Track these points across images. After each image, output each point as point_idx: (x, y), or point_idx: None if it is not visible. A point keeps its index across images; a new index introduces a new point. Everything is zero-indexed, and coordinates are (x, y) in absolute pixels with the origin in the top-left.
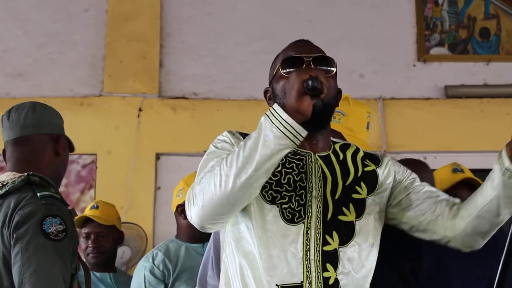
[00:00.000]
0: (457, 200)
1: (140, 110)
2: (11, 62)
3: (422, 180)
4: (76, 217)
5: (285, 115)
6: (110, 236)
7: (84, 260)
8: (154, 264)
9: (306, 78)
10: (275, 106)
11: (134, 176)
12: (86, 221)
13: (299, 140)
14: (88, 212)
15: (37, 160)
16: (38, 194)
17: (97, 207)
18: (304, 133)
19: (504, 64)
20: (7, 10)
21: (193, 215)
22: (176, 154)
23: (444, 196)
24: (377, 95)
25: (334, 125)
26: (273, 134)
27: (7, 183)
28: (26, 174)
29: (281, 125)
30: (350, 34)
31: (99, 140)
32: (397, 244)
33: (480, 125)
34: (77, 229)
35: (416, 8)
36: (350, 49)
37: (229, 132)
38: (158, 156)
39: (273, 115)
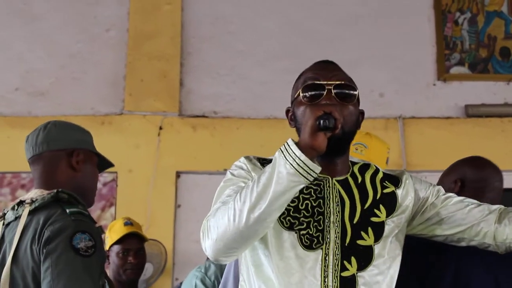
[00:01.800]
0: (494, 207)
1: (160, 128)
2: (33, 82)
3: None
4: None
5: (298, 152)
6: (145, 252)
7: (122, 276)
8: (206, 275)
9: (320, 115)
10: (289, 141)
11: (154, 194)
12: (123, 237)
13: (312, 176)
14: (127, 229)
15: (52, 177)
16: (68, 211)
17: (131, 224)
18: (317, 170)
19: None
20: (30, 31)
21: (207, 248)
22: (196, 172)
23: (475, 203)
24: (397, 114)
25: (356, 155)
26: (287, 170)
27: (36, 200)
28: (55, 191)
29: (295, 162)
30: (371, 53)
31: (120, 158)
32: (424, 257)
33: (500, 144)
34: (116, 245)
35: (436, 28)
36: (371, 69)
37: (246, 158)
38: (178, 174)
39: (287, 151)
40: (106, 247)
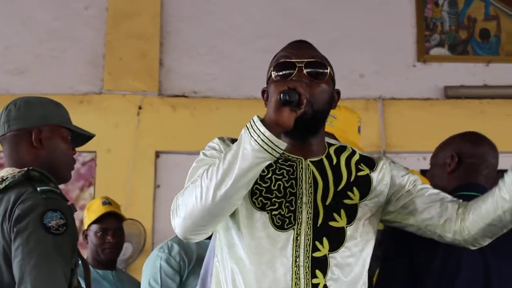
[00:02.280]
0: (461, 202)
1: (140, 108)
2: (12, 59)
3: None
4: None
5: (263, 128)
6: (123, 231)
7: (100, 255)
8: (170, 255)
9: (282, 89)
10: (255, 118)
11: (133, 174)
12: (101, 216)
13: (278, 153)
14: (105, 208)
15: (18, 157)
16: (38, 189)
17: (110, 203)
18: (283, 146)
19: (504, 65)
20: (9, 8)
21: (176, 226)
22: (176, 152)
23: (448, 198)
24: (377, 95)
25: (327, 127)
26: (251, 147)
27: (6, 178)
28: (26, 169)
29: (259, 138)
30: (351, 34)
31: (98, 137)
32: (413, 239)
33: (479, 126)
34: (94, 225)
35: (416, 9)
36: (351, 49)
37: (220, 138)
38: (157, 154)
39: (252, 127)
40: (85, 227)
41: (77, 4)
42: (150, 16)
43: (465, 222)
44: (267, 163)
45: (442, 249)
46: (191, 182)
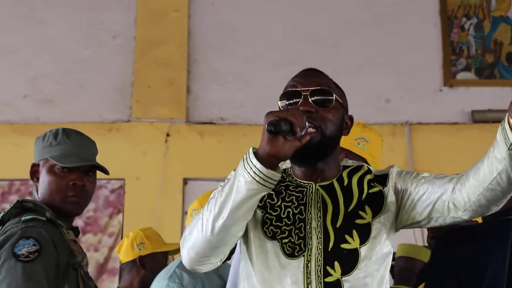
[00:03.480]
0: (455, 176)
1: (167, 135)
2: (41, 88)
3: None
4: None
5: (254, 161)
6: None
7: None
8: (182, 285)
9: (270, 120)
10: (250, 150)
11: (162, 200)
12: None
13: (271, 184)
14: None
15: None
16: (23, 218)
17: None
18: (276, 177)
19: None
20: (37, 37)
21: (183, 257)
22: (203, 179)
23: (440, 176)
24: (403, 120)
25: (358, 150)
26: (244, 179)
27: (3, 210)
28: (17, 201)
29: (251, 171)
30: (376, 59)
31: (127, 165)
32: (462, 258)
33: None
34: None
35: (442, 33)
36: (377, 74)
37: (235, 170)
38: (185, 181)
39: (247, 159)
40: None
41: (105, 33)
42: (177, 44)
43: (464, 190)
44: (262, 194)
45: (491, 269)
46: (196, 215)
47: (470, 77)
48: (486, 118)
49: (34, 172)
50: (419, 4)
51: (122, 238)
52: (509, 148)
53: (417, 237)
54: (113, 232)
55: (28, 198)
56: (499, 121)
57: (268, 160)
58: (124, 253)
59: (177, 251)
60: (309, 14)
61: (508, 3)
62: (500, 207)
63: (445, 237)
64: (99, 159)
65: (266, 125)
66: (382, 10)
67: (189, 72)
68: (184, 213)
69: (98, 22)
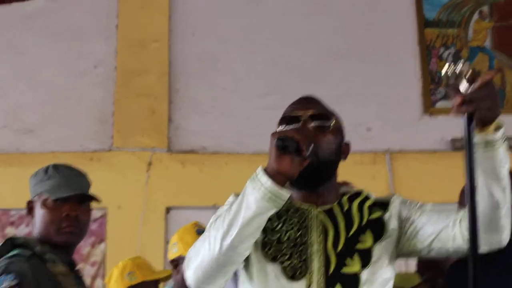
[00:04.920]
0: (460, 210)
1: (149, 164)
2: (21, 118)
3: None
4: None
5: (264, 179)
6: None
7: None
8: None
9: (278, 136)
10: (258, 168)
11: (144, 229)
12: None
13: (281, 202)
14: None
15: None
16: (8, 255)
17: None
18: (285, 195)
19: (509, 117)
20: (18, 67)
21: (188, 278)
22: (186, 207)
23: (447, 208)
24: (384, 148)
25: None
26: (254, 197)
27: None
28: (7, 238)
29: (262, 188)
30: (357, 88)
31: (109, 194)
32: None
33: None
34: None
35: (421, 63)
36: (357, 103)
37: (235, 194)
38: (168, 210)
39: (255, 178)
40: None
41: (85, 63)
42: (158, 74)
43: (462, 222)
44: (271, 212)
45: None
46: (202, 235)
47: (449, 105)
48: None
49: (30, 209)
50: (398, 35)
51: (105, 267)
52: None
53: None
54: (95, 261)
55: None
56: None
57: (277, 178)
58: (115, 283)
59: (167, 278)
60: (290, 44)
61: (485, 34)
62: (504, 234)
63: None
64: None
65: (276, 141)
66: (362, 41)
67: (170, 101)
68: (167, 242)
69: (79, 51)
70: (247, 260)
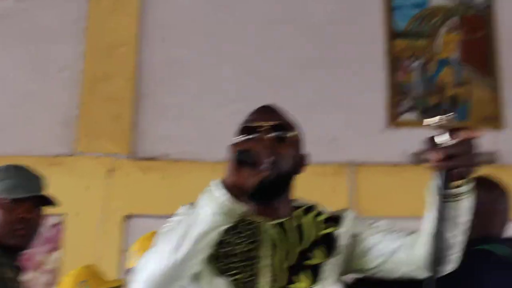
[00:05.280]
0: (415, 232)
1: (111, 170)
2: None
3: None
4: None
5: (220, 192)
6: None
7: None
8: None
9: (238, 149)
10: (213, 182)
11: (101, 237)
12: None
13: (235, 216)
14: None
15: None
16: None
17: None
18: (240, 210)
19: None
20: None
21: None
22: (145, 216)
23: (399, 231)
24: (348, 159)
25: None
26: (209, 211)
27: None
28: None
29: (217, 202)
30: (323, 98)
31: (68, 200)
32: None
33: None
34: None
35: (387, 74)
36: (323, 113)
37: (189, 205)
38: (126, 218)
39: (210, 191)
40: None
41: (52, 66)
42: (125, 78)
43: (415, 248)
44: (225, 226)
45: None
46: (152, 247)
47: (415, 118)
48: (429, 160)
49: None
50: (366, 46)
51: (59, 275)
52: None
53: None
54: (49, 269)
55: None
56: None
57: (233, 191)
58: None
59: (120, 287)
60: (259, 52)
61: (453, 46)
62: (449, 266)
63: None
64: None
65: (236, 154)
66: (331, 51)
67: (136, 107)
68: (124, 250)
69: (45, 54)
70: (197, 273)
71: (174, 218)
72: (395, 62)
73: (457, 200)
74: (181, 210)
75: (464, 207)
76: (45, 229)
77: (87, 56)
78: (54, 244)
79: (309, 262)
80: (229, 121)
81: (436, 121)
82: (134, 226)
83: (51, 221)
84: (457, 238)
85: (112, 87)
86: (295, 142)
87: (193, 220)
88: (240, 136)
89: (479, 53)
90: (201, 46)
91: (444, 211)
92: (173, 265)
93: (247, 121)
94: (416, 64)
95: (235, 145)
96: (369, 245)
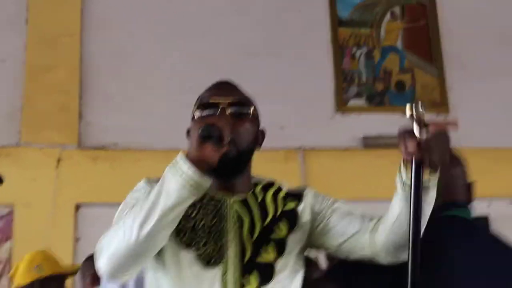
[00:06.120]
0: (375, 218)
1: (58, 161)
2: None
3: (450, 174)
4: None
5: (185, 166)
6: None
7: None
8: None
9: (203, 125)
10: (178, 156)
11: (52, 227)
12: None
13: (202, 189)
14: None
15: None
16: None
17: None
18: (207, 182)
19: None
20: None
21: (102, 267)
22: (96, 204)
23: (360, 214)
24: (297, 145)
25: None
26: (175, 185)
27: None
28: None
29: (183, 175)
30: (271, 86)
31: (16, 191)
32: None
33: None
34: None
35: (334, 61)
36: (271, 101)
37: (146, 180)
38: (77, 207)
39: (176, 165)
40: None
41: None
42: (69, 69)
43: (375, 234)
44: (191, 200)
45: None
46: (115, 223)
47: (361, 104)
48: (377, 144)
49: None
50: (312, 33)
51: (10, 266)
52: (403, 189)
53: None
54: (1, 260)
55: None
56: (389, 146)
57: (198, 166)
58: (21, 276)
59: (74, 273)
60: (206, 41)
61: (396, 34)
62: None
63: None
64: None
65: (200, 129)
66: (277, 39)
67: (81, 97)
68: (76, 239)
69: None
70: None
71: (134, 194)
72: (340, 50)
73: (425, 192)
74: (140, 185)
75: (431, 196)
76: None
77: (29, 47)
78: (5, 235)
79: (274, 235)
80: (176, 111)
81: (411, 112)
82: (85, 215)
83: (0, 212)
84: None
85: (56, 77)
86: (254, 118)
87: (158, 195)
88: (201, 112)
89: (422, 40)
90: (146, 35)
91: (417, 199)
92: (139, 240)
93: (205, 96)
94: (361, 51)
95: (197, 120)
96: (330, 224)
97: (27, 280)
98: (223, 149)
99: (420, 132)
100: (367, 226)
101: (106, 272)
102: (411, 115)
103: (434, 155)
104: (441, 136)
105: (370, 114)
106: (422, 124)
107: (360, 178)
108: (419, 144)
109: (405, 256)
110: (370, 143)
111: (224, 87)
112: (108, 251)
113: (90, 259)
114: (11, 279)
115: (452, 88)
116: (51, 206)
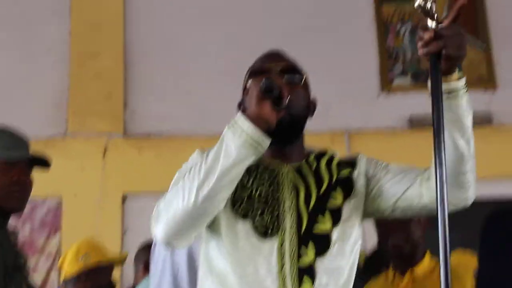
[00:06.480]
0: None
1: (105, 150)
2: None
3: None
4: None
5: (246, 124)
6: None
7: None
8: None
9: (262, 81)
10: (238, 115)
11: (100, 217)
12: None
13: (262, 148)
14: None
15: None
16: None
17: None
18: (266, 141)
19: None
20: None
21: (159, 232)
22: (143, 194)
23: (415, 168)
24: (343, 127)
25: None
26: (235, 143)
27: None
28: None
29: (243, 134)
30: (315, 66)
31: (64, 182)
32: None
33: None
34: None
35: (378, 39)
36: (315, 81)
37: (199, 150)
38: (124, 197)
39: (235, 124)
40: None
41: (39, 46)
42: (114, 56)
43: (429, 181)
44: (251, 160)
45: None
46: (171, 189)
47: (407, 82)
48: (424, 123)
49: None
50: (355, 12)
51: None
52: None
53: None
54: (51, 253)
55: None
56: None
57: (258, 123)
58: (69, 266)
59: (123, 261)
60: (247, 24)
61: (441, 9)
62: (469, 192)
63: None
64: (35, 177)
65: (262, 82)
66: (320, 18)
67: (126, 85)
68: (124, 229)
69: (32, 35)
70: (214, 219)
71: (188, 164)
72: (384, 27)
73: (454, 98)
74: (194, 156)
75: (464, 106)
76: (43, 213)
77: (73, 35)
78: (53, 228)
79: (329, 204)
80: (219, 94)
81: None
82: (132, 204)
83: (49, 204)
84: (467, 147)
85: (100, 65)
86: (306, 86)
87: (217, 155)
88: (251, 80)
89: (468, 14)
90: (188, 21)
91: (439, 96)
92: (198, 202)
93: (256, 65)
94: (405, 28)
95: (258, 78)
96: (383, 186)
97: (75, 268)
98: (280, 112)
99: (434, 24)
100: (421, 177)
101: (162, 238)
102: (419, 6)
103: (450, 45)
104: (455, 28)
105: (416, 93)
106: (432, 16)
107: (407, 160)
108: (434, 34)
109: (464, 196)
110: (417, 123)
111: (276, 55)
112: (166, 215)
113: (144, 249)
114: (59, 269)
115: (499, 63)
116: (99, 196)
